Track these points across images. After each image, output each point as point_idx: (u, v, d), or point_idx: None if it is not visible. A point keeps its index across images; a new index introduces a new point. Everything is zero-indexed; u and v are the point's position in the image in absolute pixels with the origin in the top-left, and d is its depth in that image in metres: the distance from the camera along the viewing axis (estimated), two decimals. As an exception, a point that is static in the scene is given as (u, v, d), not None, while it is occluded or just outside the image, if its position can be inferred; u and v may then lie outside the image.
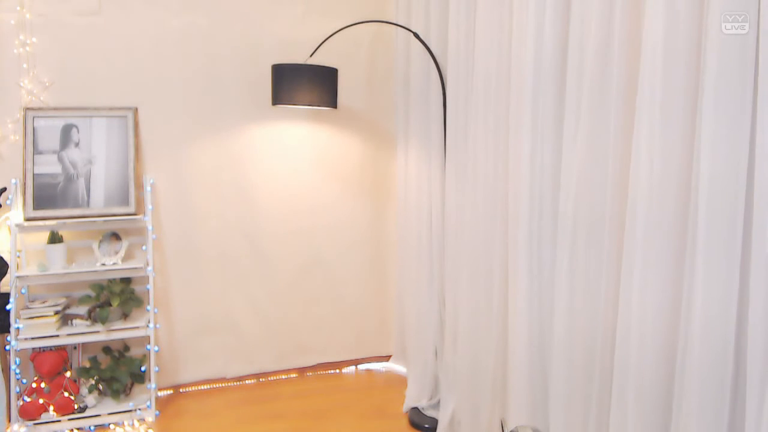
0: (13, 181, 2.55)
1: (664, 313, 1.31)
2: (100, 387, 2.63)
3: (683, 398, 1.23)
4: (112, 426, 2.52)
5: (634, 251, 1.34)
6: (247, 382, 3.04)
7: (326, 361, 3.19)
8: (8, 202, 2.56)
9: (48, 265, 2.56)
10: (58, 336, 2.52)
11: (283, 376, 3.11)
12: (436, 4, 2.51)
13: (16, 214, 2.54)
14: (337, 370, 3.21)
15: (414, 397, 2.71)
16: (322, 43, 2.59)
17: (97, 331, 2.57)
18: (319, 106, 2.55)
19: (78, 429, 2.50)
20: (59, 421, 2.49)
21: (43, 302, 2.60)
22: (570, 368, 1.63)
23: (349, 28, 2.62)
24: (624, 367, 1.38)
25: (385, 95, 3.13)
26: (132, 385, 2.73)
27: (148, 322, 2.65)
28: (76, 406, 2.54)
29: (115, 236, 2.71)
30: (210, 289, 2.95)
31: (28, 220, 2.55)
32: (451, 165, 2.39)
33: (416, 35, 2.55)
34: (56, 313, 2.55)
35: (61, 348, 2.61)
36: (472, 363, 2.20)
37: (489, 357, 2.08)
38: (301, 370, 3.16)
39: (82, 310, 2.63)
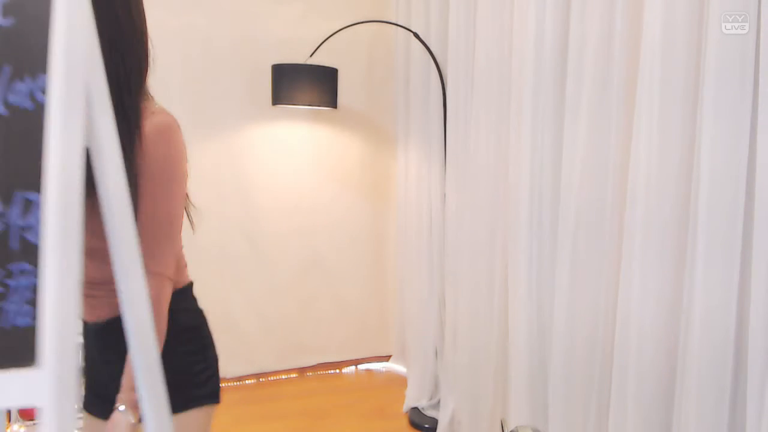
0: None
1: (664, 312, 1.31)
2: (100, 387, 2.63)
3: (683, 396, 1.23)
4: (112, 426, 2.52)
5: (635, 251, 1.34)
6: (247, 382, 3.04)
7: (326, 361, 3.19)
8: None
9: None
10: (58, 336, 2.51)
11: (283, 376, 3.11)
12: (436, 4, 2.51)
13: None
14: (337, 370, 3.21)
15: (414, 397, 2.71)
16: (322, 43, 2.59)
17: (97, 331, 2.56)
18: (319, 106, 2.55)
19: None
20: (59, 421, 2.49)
21: (43, 302, 2.60)
22: (570, 368, 1.63)
23: (349, 28, 2.62)
24: (624, 367, 1.39)
25: (385, 95, 3.13)
26: (132, 385, 2.73)
27: (148, 322, 2.65)
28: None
29: (115, 236, 2.71)
30: (210, 288, 2.93)
31: (28, 220, 2.55)
32: (451, 165, 2.39)
33: (416, 35, 2.55)
34: (56, 313, 2.55)
35: (61, 348, 2.61)
36: (472, 363, 2.20)
37: (489, 357, 2.08)
38: (301, 370, 3.16)
39: (82, 310, 2.63)
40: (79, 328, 1.13)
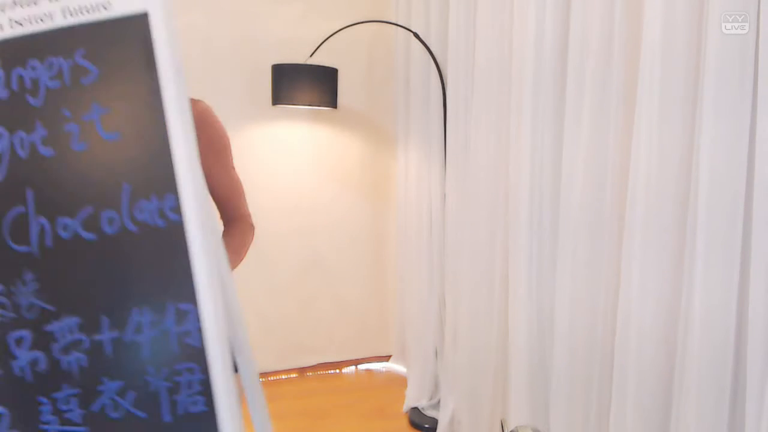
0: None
1: (664, 312, 1.31)
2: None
3: (683, 396, 1.23)
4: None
5: (635, 251, 1.34)
6: (247, 382, 3.04)
7: (326, 361, 3.19)
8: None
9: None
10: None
11: (283, 376, 3.11)
12: (436, 4, 2.51)
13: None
14: (337, 370, 3.21)
15: (414, 397, 2.71)
16: (322, 43, 2.59)
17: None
18: (319, 106, 2.55)
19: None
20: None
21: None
22: (570, 368, 1.63)
23: (349, 28, 2.62)
24: (624, 367, 1.39)
25: (385, 95, 3.13)
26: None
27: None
28: None
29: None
30: (210, 289, 2.94)
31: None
32: (451, 165, 2.39)
33: (416, 35, 2.55)
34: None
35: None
36: (472, 363, 2.20)
37: (489, 357, 2.08)
38: (301, 370, 3.16)
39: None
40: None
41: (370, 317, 3.27)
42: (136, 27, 0.77)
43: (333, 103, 2.60)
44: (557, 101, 1.69)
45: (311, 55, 2.58)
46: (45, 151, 0.80)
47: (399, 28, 2.81)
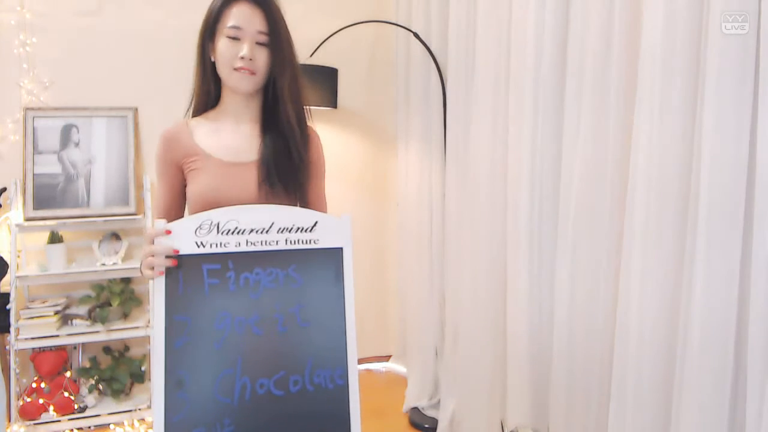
0: (13, 181, 2.55)
1: (664, 311, 1.31)
2: (100, 387, 2.63)
3: (683, 396, 1.23)
4: (112, 426, 2.52)
5: (634, 249, 1.34)
6: (247, 382, 3.03)
7: (326, 361, 3.18)
8: (8, 201, 2.56)
9: (48, 265, 2.56)
10: (58, 336, 2.52)
11: (283, 376, 3.10)
12: (436, 4, 2.51)
13: (16, 214, 2.54)
14: (337, 370, 3.20)
15: (414, 397, 2.71)
16: (322, 43, 2.59)
17: (97, 331, 2.57)
18: (319, 106, 2.55)
19: (78, 429, 2.50)
20: (59, 421, 2.49)
21: (43, 302, 2.60)
22: (570, 368, 1.63)
23: (349, 28, 2.62)
24: (624, 367, 1.39)
25: (385, 95, 3.13)
26: (132, 385, 2.73)
27: (148, 322, 2.65)
28: (76, 406, 2.54)
29: (115, 236, 2.71)
30: (210, 289, 2.94)
31: (28, 220, 2.55)
32: (451, 164, 2.39)
33: (416, 35, 2.55)
34: (56, 313, 2.55)
35: (61, 348, 2.61)
36: (472, 363, 2.20)
37: (489, 357, 2.08)
38: (301, 370, 3.15)
39: (82, 310, 2.63)
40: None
41: (370, 317, 3.27)
42: (333, 255, 1.19)
43: (333, 103, 2.60)
44: (557, 101, 1.69)
45: (311, 55, 2.58)
46: (257, 330, 1.13)
47: (399, 28, 2.81)
